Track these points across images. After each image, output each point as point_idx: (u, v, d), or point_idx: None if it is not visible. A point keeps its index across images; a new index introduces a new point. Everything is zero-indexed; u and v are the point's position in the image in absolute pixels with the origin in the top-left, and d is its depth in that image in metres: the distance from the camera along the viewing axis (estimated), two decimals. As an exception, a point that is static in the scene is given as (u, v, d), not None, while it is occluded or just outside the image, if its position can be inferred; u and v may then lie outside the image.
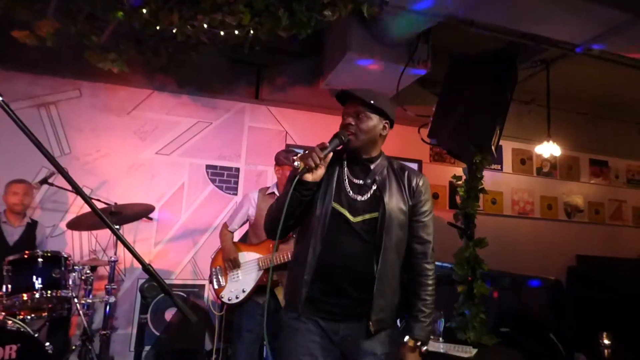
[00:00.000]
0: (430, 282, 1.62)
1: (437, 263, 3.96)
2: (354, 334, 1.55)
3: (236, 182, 4.31)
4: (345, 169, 1.64)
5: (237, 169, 4.36)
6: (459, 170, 3.19)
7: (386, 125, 1.65)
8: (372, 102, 1.59)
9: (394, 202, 1.58)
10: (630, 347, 2.88)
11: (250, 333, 2.54)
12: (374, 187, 1.60)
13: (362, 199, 1.58)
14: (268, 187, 2.81)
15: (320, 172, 1.52)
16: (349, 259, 1.54)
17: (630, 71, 3.77)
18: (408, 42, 3.43)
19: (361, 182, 1.61)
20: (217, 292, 2.60)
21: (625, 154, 6.00)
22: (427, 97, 4.47)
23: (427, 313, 1.60)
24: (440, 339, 2.66)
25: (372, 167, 1.64)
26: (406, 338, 1.57)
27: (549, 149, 4.29)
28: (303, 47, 4.26)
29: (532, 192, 5.56)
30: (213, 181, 4.28)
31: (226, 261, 2.62)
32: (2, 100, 1.16)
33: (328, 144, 1.53)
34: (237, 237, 2.92)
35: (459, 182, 3.10)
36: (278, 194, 2.69)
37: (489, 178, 3.07)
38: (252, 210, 2.70)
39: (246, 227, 2.89)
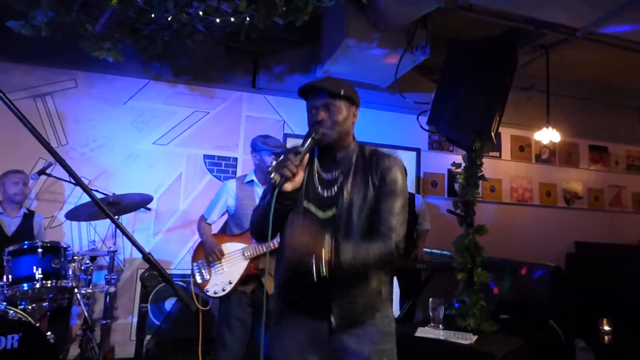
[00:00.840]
0: (376, 248, 1.42)
1: (435, 251, 3.95)
2: (336, 332, 1.48)
3: (234, 172, 4.30)
4: (316, 164, 1.58)
5: (235, 159, 4.34)
6: (457, 158, 3.18)
7: (355, 112, 1.59)
8: (342, 92, 1.51)
9: (356, 191, 1.49)
10: (630, 333, 2.89)
11: (240, 321, 2.50)
12: (340, 179, 1.52)
13: (329, 193, 1.52)
14: (245, 176, 2.74)
15: (299, 178, 1.46)
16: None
17: (630, 55, 3.74)
18: (406, 27, 3.40)
19: (329, 176, 1.55)
20: (202, 287, 2.53)
21: (625, 140, 5.98)
22: (426, 84, 4.44)
23: (363, 248, 1.40)
24: (440, 326, 2.68)
25: (337, 157, 1.56)
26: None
27: (548, 135, 4.27)
28: (300, 35, 4.22)
29: (531, 179, 5.55)
30: (211, 171, 4.27)
31: (210, 254, 2.54)
32: None
33: (301, 148, 1.45)
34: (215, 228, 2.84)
35: (458, 170, 3.09)
36: (257, 181, 2.64)
37: (488, 165, 3.06)
38: (231, 201, 2.63)
39: (223, 218, 2.82)
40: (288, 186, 1.43)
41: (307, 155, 1.48)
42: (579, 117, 5.45)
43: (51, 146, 1.19)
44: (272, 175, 1.41)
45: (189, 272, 3.98)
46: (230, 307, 2.52)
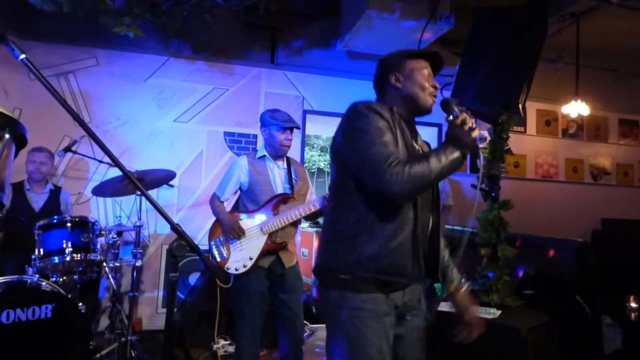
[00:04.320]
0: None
1: (456, 227, 3.90)
2: (413, 296, 1.52)
3: (255, 149, 4.29)
4: (406, 130, 1.52)
5: (255, 136, 4.34)
6: (480, 133, 3.08)
7: None
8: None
9: None
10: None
11: (258, 294, 2.51)
12: (417, 145, 1.57)
13: None
14: (255, 152, 2.70)
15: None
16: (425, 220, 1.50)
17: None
18: (429, -3, 3.28)
19: (413, 141, 1.56)
20: (222, 265, 2.52)
21: (657, 113, 5.75)
22: (449, 57, 4.30)
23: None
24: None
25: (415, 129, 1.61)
26: (466, 285, 1.53)
27: (576, 109, 4.12)
28: (318, 9, 4.13)
29: (557, 155, 5.40)
30: (231, 148, 4.28)
31: (230, 231, 2.52)
32: (26, 58, 1.13)
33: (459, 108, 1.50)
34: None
35: (482, 145, 3.01)
36: (269, 156, 2.63)
37: (512, 140, 2.95)
38: (244, 177, 2.60)
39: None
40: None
41: None
42: (609, 90, 5.23)
43: (81, 119, 1.20)
44: (476, 133, 1.46)
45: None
46: (248, 281, 2.53)
